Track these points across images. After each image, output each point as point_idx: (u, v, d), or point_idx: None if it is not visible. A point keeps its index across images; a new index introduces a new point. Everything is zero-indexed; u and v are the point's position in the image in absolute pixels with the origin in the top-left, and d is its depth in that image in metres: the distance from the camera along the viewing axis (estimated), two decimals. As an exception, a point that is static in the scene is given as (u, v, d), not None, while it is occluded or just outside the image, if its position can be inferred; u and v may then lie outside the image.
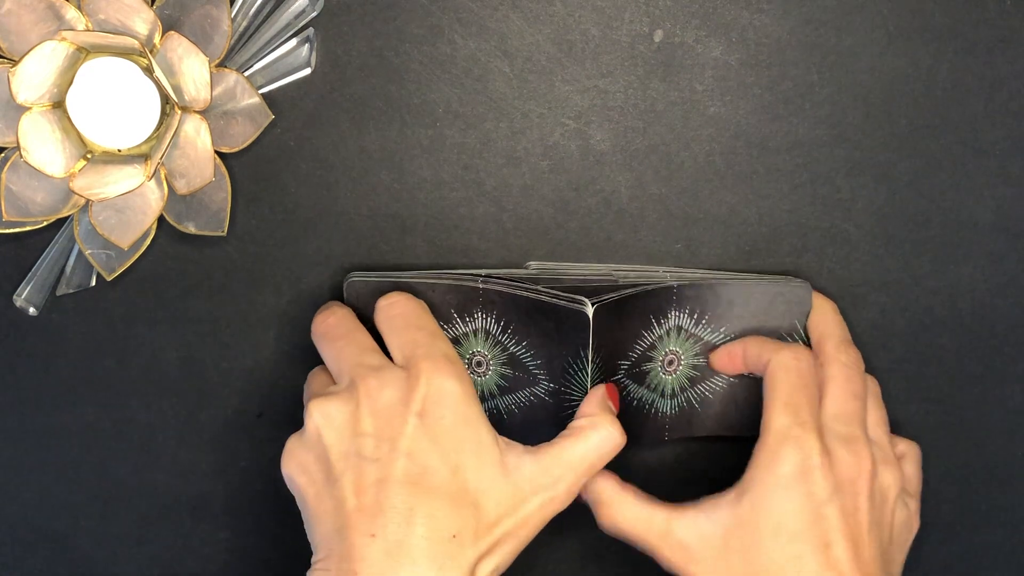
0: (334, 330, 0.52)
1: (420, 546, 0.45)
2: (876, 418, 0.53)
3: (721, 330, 0.55)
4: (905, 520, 0.52)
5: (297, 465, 0.49)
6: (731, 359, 0.55)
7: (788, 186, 0.56)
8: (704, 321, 0.55)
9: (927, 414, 0.59)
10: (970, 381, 0.58)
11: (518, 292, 0.53)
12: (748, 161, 0.56)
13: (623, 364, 0.54)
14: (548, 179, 0.56)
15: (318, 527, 0.48)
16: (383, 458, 0.47)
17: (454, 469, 0.47)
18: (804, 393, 0.51)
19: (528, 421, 0.55)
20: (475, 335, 0.54)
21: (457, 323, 0.54)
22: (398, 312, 0.52)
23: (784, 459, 0.49)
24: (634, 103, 0.55)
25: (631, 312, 0.54)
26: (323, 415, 0.48)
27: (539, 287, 0.53)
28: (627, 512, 0.51)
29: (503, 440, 0.49)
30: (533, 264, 0.56)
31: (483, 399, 0.55)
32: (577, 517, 0.59)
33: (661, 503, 0.51)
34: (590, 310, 0.51)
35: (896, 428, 0.58)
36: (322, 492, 0.48)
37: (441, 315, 0.54)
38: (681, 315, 0.55)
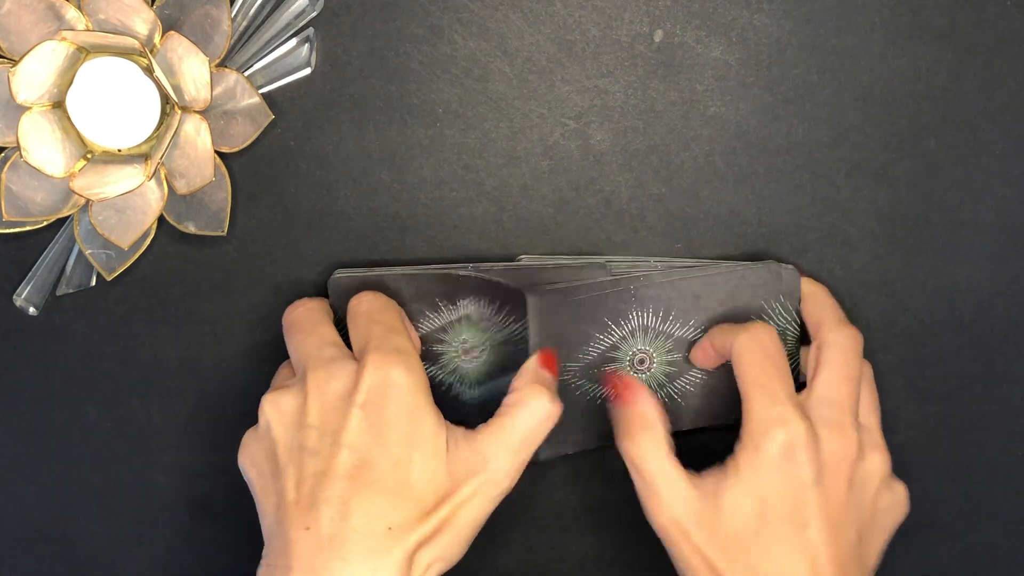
0: (299, 323, 0.52)
1: (352, 539, 0.45)
2: (867, 401, 0.53)
3: (691, 324, 0.55)
4: (890, 504, 0.52)
5: (249, 459, 0.50)
6: (704, 354, 0.55)
7: (788, 186, 0.56)
8: (671, 318, 0.55)
9: (927, 414, 0.59)
10: (970, 381, 0.58)
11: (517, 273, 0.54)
12: (748, 161, 0.56)
13: (571, 367, 0.54)
14: (548, 179, 0.56)
15: (264, 521, 0.48)
16: (324, 451, 0.47)
17: (395, 462, 0.47)
18: (772, 369, 0.50)
19: None
20: (462, 322, 0.54)
21: (443, 311, 0.54)
22: (363, 310, 0.51)
23: (770, 440, 0.49)
24: (634, 103, 0.55)
25: (582, 316, 0.54)
26: (274, 408, 0.49)
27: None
28: (653, 450, 0.50)
29: (449, 427, 0.49)
30: (524, 258, 0.56)
31: (480, 383, 0.55)
32: (577, 517, 0.59)
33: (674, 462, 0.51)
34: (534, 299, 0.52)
35: (896, 428, 0.58)
36: (268, 485, 0.48)
37: (426, 304, 0.54)
38: (644, 315, 0.54)
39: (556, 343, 0.53)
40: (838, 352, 0.52)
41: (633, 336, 0.55)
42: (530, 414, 0.49)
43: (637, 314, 0.54)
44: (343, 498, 0.46)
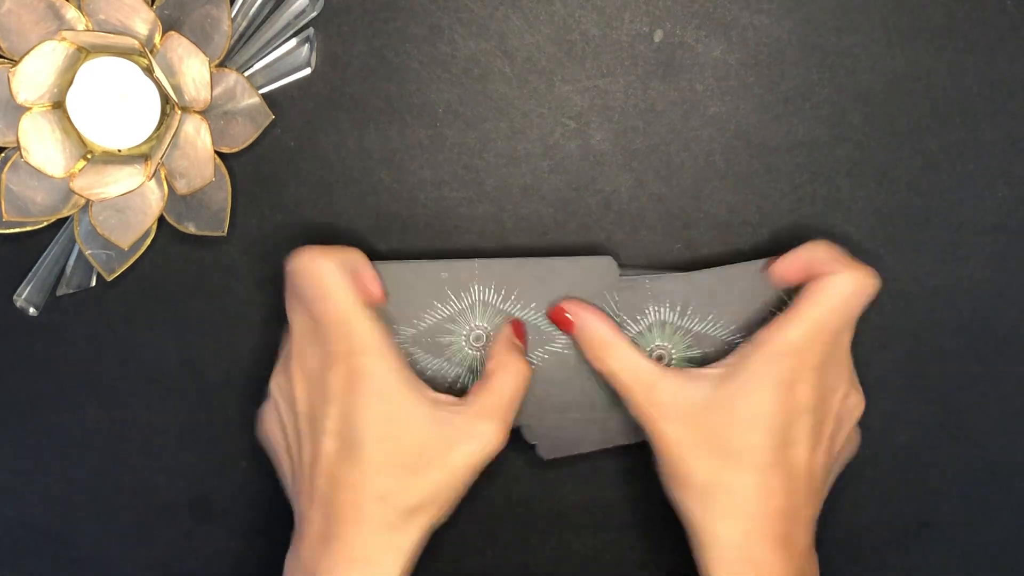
0: (299, 287, 0.51)
1: (348, 511, 0.49)
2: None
3: (709, 318, 0.55)
4: (853, 440, 0.55)
5: (265, 431, 0.54)
6: (794, 269, 0.53)
7: (788, 186, 0.56)
8: (689, 313, 0.54)
9: (927, 414, 0.59)
10: (970, 381, 0.58)
11: (523, 261, 0.54)
12: (748, 161, 0.56)
13: (402, 332, 0.54)
14: (548, 179, 0.56)
15: (285, 488, 0.53)
16: (313, 436, 0.50)
17: (378, 438, 0.49)
18: (851, 318, 0.51)
19: (545, 380, 0.55)
20: (472, 309, 0.54)
21: (451, 300, 0.54)
22: (311, 283, 0.52)
23: (782, 363, 0.50)
24: (634, 103, 0.55)
25: (416, 280, 0.54)
26: (276, 387, 0.53)
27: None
28: (621, 356, 0.52)
29: (432, 397, 0.50)
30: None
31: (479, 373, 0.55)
32: (577, 517, 0.59)
33: (652, 360, 0.53)
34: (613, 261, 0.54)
35: (896, 428, 0.59)
36: (282, 456, 0.53)
37: (434, 294, 0.54)
38: (662, 310, 0.54)
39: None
40: (852, 287, 0.51)
41: (651, 331, 0.55)
42: (512, 376, 0.52)
43: (655, 309, 0.54)
44: (334, 476, 0.49)
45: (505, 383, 0.52)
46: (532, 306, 0.54)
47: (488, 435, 0.50)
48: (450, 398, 0.51)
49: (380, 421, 0.49)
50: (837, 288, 0.50)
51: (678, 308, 0.54)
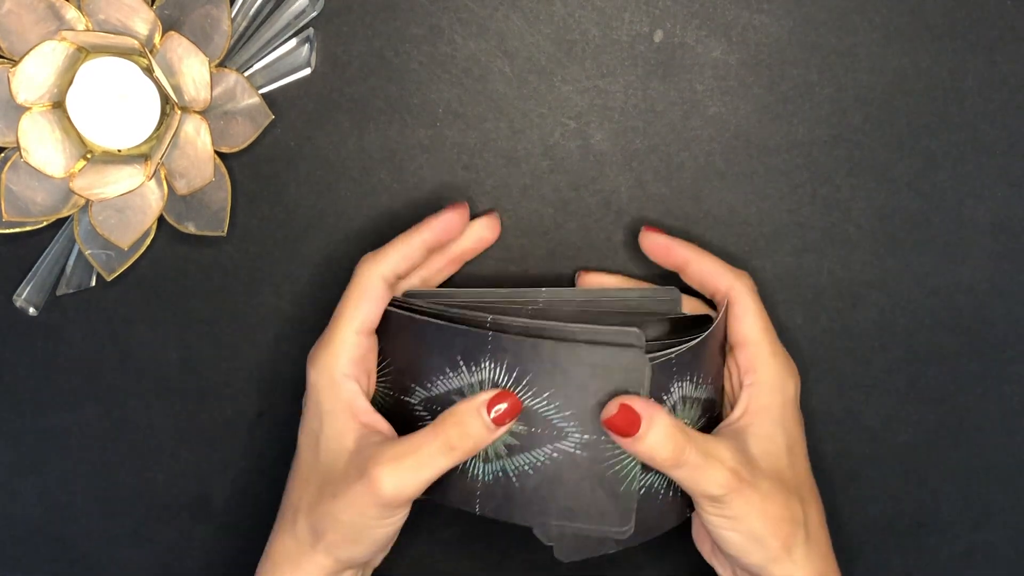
0: (348, 290, 0.52)
1: (280, 517, 0.52)
2: None
3: (545, 396, 0.47)
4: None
5: None
6: (668, 253, 0.53)
7: (788, 186, 0.56)
8: (699, 382, 0.50)
9: (927, 414, 0.59)
10: (970, 381, 0.58)
11: (542, 335, 0.47)
12: (748, 161, 0.56)
13: (417, 391, 0.50)
14: (548, 179, 0.56)
15: None
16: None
17: (307, 450, 0.51)
18: (767, 322, 0.53)
19: (551, 481, 0.48)
20: (481, 386, 0.48)
21: (462, 371, 0.48)
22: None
23: (784, 386, 0.52)
24: (634, 103, 0.55)
25: (431, 341, 0.49)
26: None
27: (574, 325, 0.48)
28: (695, 459, 0.48)
29: (366, 423, 0.50)
30: (545, 292, 0.52)
31: (486, 459, 0.49)
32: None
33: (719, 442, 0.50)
34: (642, 339, 0.47)
35: (896, 428, 0.59)
36: None
37: (446, 360, 0.49)
38: (684, 384, 0.49)
39: (404, 365, 0.50)
40: (746, 294, 0.52)
41: (675, 409, 0.49)
42: (438, 446, 0.47)
43: (489, 366, 0.48)
44: (287, 486, 0.52)
45: (426, 446, 0.47)
46: (546, 395, 0.47)
47: (373, 482, 0.47)
48: (386, 433, 0.49)
49: (312, 435, 0.50)
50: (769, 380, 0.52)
51: (696, 379, 0.50)
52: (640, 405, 0.47)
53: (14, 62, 0.51)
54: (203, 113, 0.52)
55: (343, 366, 0.50)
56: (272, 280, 0.56)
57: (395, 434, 0.50)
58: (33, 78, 0.51)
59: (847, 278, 0.57)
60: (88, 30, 0.51)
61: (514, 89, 0.55)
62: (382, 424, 0.50)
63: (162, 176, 0.53)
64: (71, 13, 0.51)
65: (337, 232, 0.56)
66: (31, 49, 0.50)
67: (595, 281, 0.56)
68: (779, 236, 0.56)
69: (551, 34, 0.54)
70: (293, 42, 0.54)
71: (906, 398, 0.59)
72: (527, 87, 0.55)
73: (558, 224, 0.56)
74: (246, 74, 0.53)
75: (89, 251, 0.54)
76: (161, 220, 0.54)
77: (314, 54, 0.54)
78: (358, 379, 0.50)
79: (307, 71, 0.54)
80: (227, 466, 0.58)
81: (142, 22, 0.51)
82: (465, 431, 0.47)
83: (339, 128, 0.55)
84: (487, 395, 0.47)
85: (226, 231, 0.54)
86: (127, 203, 0.53)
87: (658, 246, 0.53)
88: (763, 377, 0.51)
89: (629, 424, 0.46)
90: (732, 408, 0.52)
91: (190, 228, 0.54)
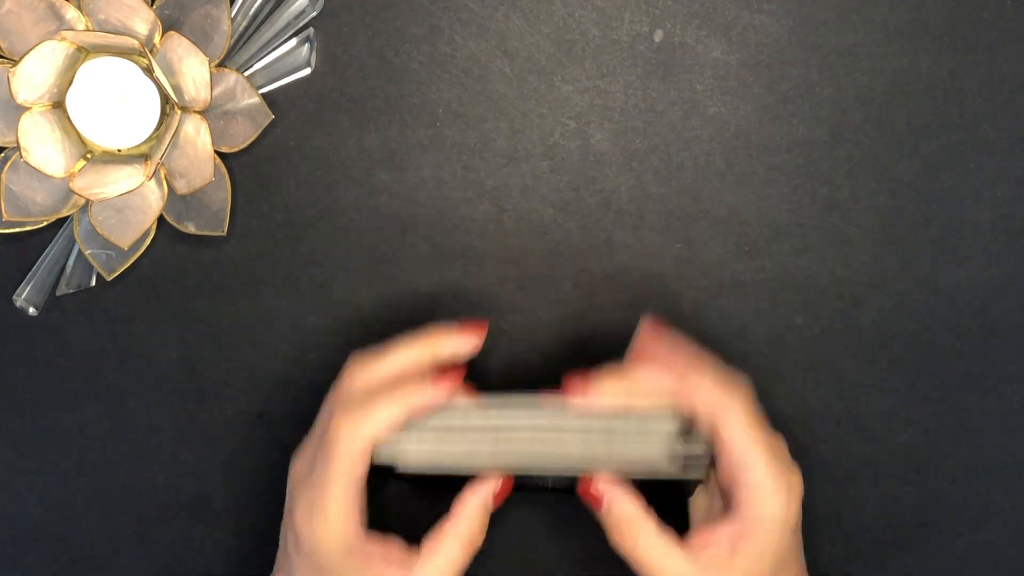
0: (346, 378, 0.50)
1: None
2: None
3: None
4: None
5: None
6: (665, 363, 0.50)
7: (788, 186, 0.56)
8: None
9: (927, 414, 0.59)
10: (970, 381, 0.58)
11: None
12: (748, 161, 0.56)
13: None
14: (548, 179, 0.56)
15: None
16: (288, 506, 0.52)
17: (308, 542, 0.49)
18: (767, 432, 0.49)
19: None
20: None
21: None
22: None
23: (785, 524, 0.49)
24: (634, 103, 0.55)
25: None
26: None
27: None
28: (647, 543, 0.49)
29: (361, 531, 0.49)
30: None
31: None
32: (576, 517, 0.59)
33: (677, 540, 0.49)
34: None
35: (896, 428, 0.58)
36: None
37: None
38: None
39: None
40: (741, 405, 0.49)
41: None
42: (460, 547, 0.49)
43: None
44: (287, 552, 0.51)
45: (449, 552, 0.48)
46: None
47: None
48: (383, 541, 0.49)
49: (310, 530, 0.48)
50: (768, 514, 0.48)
51: None
52: (603, 483, 0.49)
53: (14, 62, 0.51)
54: (203, 113, 0.52)
55: (351, 534, 0.48)
56: (272, 280, 0.56)
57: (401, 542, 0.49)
58: (33, 78, 0.51)
59: (847, 278, 0.57)
60: (88, 30, 0.51)
61: (514, 89, 0.55)
62: (388, 541, 0.49)
63: (162, 176, 0.53)
64: (71, 13, 0.51)
65: (337, 232, 0.56)
66: (31, 49, 0.50)
67: (587, 401, 0.50)
68: (779, 236, 0.56)
69: (551, 34, 0.54)
70: (293, 42, 0.54)
71: (906, 398, 0.59)
72: (527, 87, 0.55)
73: (558, 224, 0.56)
74: (246, 74, 0.53)
75: (89, 251, 0.54)
76: (161, 220, 0.54)
77: (314, 54, 0.54)
78: (362, 523, 0.49)
79: (307, 71, 0.54)
80: (227, 466, 0.58)
81: (142, 22, 0.51)
82: (481, 520, 0.50)
83: (339, 128, 0.55)
84: (490, 483, 0.49)
85: (226, 231, 0.54)
86: (127, 203, 0.53)
87: (658, 353, 0.50)
88: (764, 512, 0.48)
89: (592, 499, 0.49)
90: (723, 507, 0.50)
91: (190, 228, 0.54)
